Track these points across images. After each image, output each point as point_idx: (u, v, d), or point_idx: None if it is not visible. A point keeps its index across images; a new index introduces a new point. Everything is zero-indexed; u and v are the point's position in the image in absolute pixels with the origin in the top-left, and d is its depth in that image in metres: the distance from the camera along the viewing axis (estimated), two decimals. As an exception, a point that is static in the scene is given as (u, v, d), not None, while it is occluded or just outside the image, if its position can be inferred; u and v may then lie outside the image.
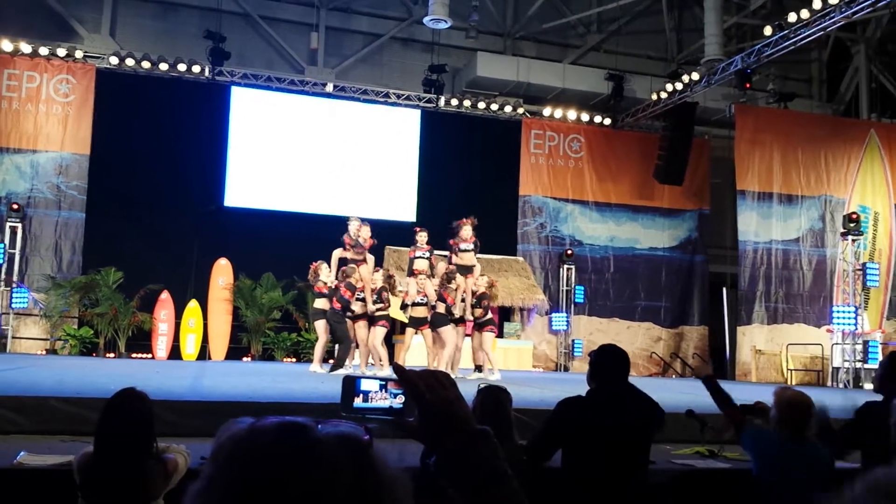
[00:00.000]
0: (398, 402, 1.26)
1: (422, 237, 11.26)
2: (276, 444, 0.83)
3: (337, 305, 10.70)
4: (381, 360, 10.62)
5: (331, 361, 11.53)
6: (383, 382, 1.28)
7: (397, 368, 1.19)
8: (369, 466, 0.85)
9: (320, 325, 11.08)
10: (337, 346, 11.62)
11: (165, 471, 3.10)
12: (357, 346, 11.02)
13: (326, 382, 7.95)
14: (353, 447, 0.85)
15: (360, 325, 10.78)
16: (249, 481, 0.81)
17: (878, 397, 4.08)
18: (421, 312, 10.67)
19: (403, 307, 11.05)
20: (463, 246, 10.94)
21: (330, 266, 11.10)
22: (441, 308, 10.40)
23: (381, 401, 1.27)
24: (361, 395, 1.28)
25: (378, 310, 10.70)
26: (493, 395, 3.65)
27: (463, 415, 1.15)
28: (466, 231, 11.01)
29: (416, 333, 10.82)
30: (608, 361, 3.75)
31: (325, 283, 11.07)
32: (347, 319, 10.77)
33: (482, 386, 3.81)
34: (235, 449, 0.84)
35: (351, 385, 1.29)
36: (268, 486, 0.80)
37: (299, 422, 0.86)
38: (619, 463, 3.54)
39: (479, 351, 11.04)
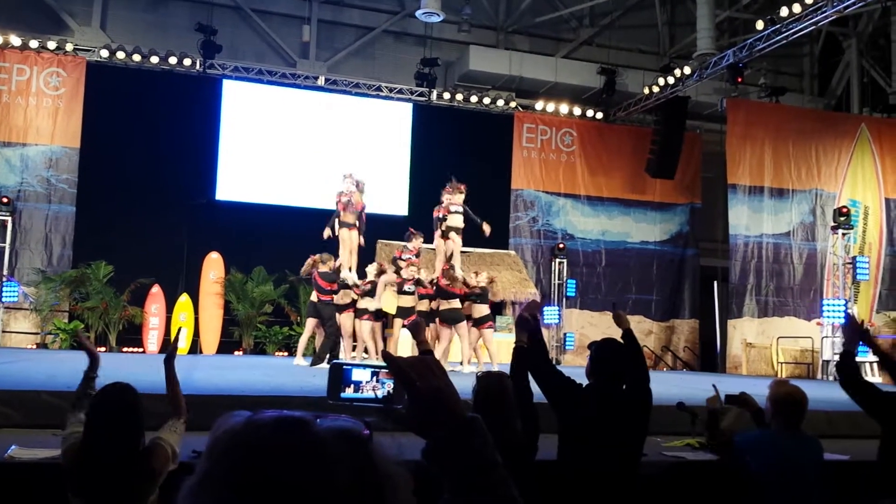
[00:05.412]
0: (389, 390, 1.24)
1: (416, 242, 11.36)
2: (274, 439, 0.81)
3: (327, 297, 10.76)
4: (366, 353, 10.58)
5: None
6: (375, 371, 1.26)
7: (386, 355, 1.17)
8: (369, 461, 0.83)
9: (311, 320, 11.09)
10: (318, 340, 11.44)
11: (155, 461, 3.10)
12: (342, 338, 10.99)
13: (318, 376, 7.94)
14: (352, 442, 0.83)
15: (346, 316, 10.75)
16: (246, 476, 0.79)
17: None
18: (408, 302, 10.57)
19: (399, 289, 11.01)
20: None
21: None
22: (456, 304, 10.32)
23: (372, 390, 1.25)
24: (352, 385, 1.26)
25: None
26: (496, 381, 3.48)
27: (453, 403, 1.13)
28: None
29: (404, 325, 10.78)
30: (608, 357, 3.72)
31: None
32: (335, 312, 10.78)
33: (480, 373, 3.72)
34: (232, 443, 0.81)
35: (338, 373, 1.27)
36: (265, 481, 0.78)
37: (298, 416, 0.84)
38: (611, 457, 3.54)
39: (471, 347, 11.01)
